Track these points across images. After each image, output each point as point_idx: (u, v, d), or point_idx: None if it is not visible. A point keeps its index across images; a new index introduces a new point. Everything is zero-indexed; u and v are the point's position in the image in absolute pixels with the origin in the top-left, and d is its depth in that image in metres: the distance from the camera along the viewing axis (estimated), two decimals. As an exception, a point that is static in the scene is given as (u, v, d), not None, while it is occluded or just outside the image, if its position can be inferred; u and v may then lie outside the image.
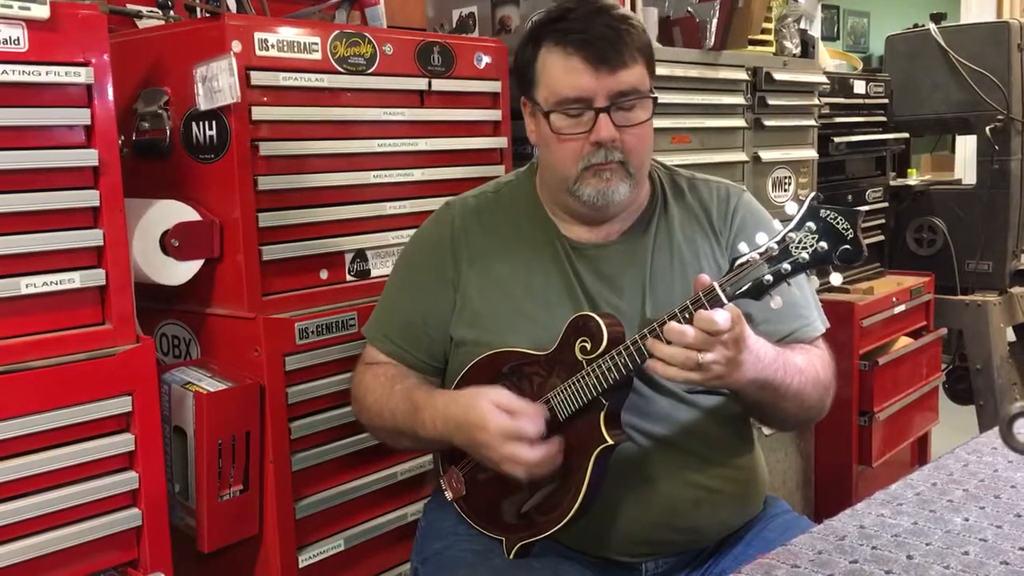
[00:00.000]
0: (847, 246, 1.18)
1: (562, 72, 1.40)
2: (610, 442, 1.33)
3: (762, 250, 1.21)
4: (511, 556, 1.43)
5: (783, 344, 1.44)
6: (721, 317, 1.21)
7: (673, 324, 1.24)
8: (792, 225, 1.20)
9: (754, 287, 1.22)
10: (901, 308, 3.05)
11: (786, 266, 1.20)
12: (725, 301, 1.23)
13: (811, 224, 1.19)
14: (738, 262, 1.23)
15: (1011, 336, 3.61)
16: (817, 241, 1.18)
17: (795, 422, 1.53)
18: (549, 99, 1.42)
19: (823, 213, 1.18)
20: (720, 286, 1.23)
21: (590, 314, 1.37)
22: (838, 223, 1.18)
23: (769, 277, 1.21)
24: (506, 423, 1.33)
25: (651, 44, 1.46)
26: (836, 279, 1.20)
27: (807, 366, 1.43)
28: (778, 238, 1.20)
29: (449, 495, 1.51)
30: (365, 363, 1.59)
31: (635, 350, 1.29)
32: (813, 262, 1.19)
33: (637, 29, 1.42)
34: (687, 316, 1.24)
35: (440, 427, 1.41)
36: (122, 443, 1.47)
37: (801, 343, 1.50)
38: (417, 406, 1.45)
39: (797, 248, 1.19)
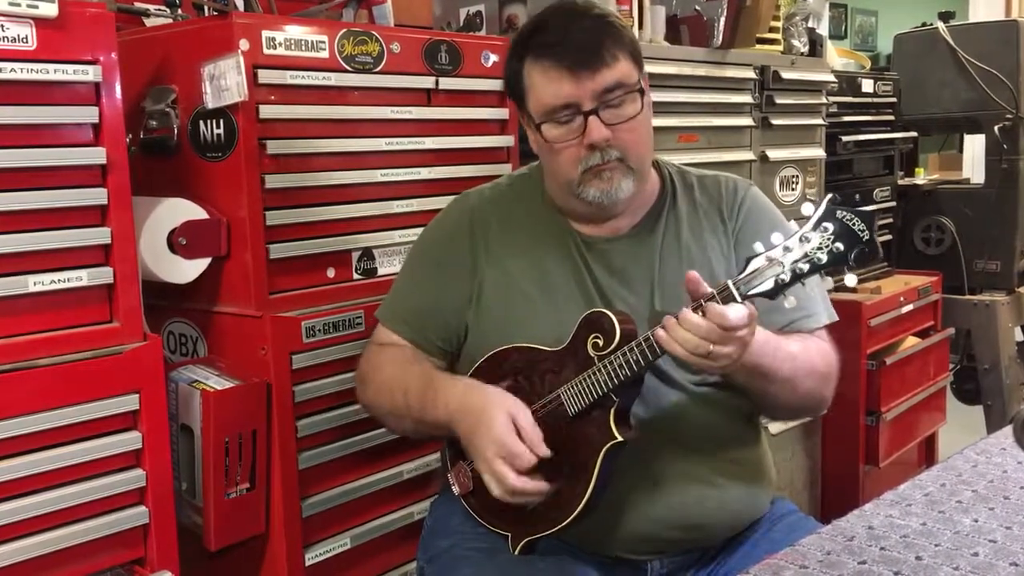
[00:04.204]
0: (863, 247, 1.18)
1: (545, 83, 1.41)
2: (619, 439, 1.33)
3: (778, 249, 1.21)
4: (516, 552, 1.43)
5: (781, 333, 1.44)
6: (733, 312, 1.22)
7: (689, 314, 1.24)
8: (809, 226, 1.20)
9: (769, 285, 1.22)
10: (909, 308, 3.04)
11: (802, 266, 1.20)
12: (739, 299, 1.23)
13: (827, 225, 1.19)
14: (753, 261, 1.23)
15: (1019, 336, 3.60)
16: (833, 242, 1.19)
17: (790, 410, 1.53)
18: (538, 111, 1.43)
19: (839, 214, 1.19)
20: (734, 284, 1.23)
21: (603, 311, 1.37)
22: (854, 224, 1.18)
23: (785, 277, 1.21)
24: (508, 440, 1.33)
25: (635, 39, 1.46)
26: (851, 280, 1.20)
27: (801, 353, 1.43)
28: (794, 238, 1.21)
29: (456, 490, 1.51)
30: (377, 344, 1.59)
31: (647, 347, 1.29)
32: (829, 263, 1.19)
33: (616, 26, 1.42)
34: (701, 311, 1.24)
35: (452, 409, 1.41)
36: (129, 441, 1.47)
37: (799, 333, 1.50)
38: (434, 385, 1.46)
39: (813, 249, 1.19)
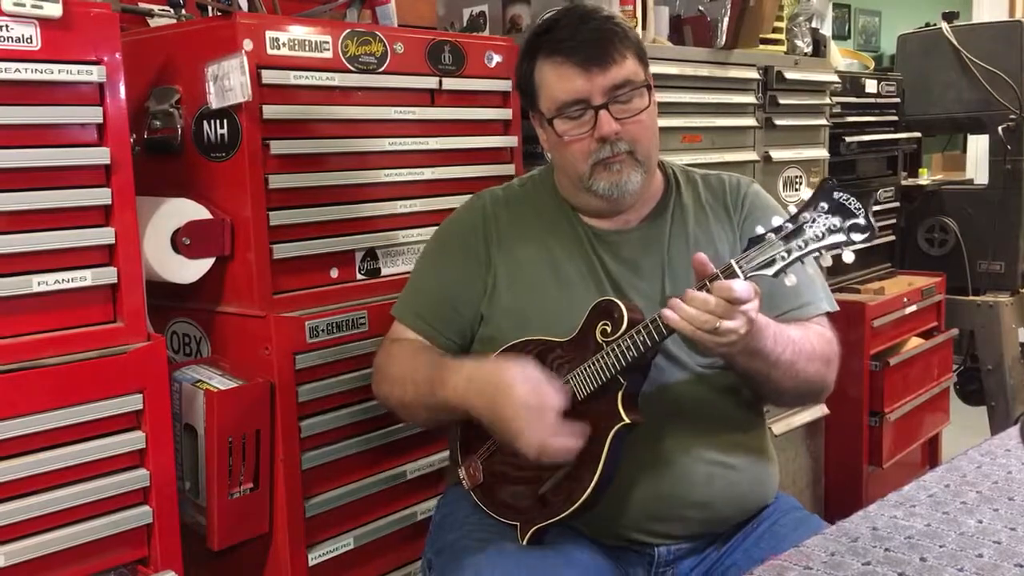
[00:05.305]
0: (858, 221, 1.22)
1: (556, 79, 1.47)
2: (627, 420, 1.35)
3: (777, 229, 1.25)
4: (525, 541, 1.44)
5: (782, 320, 1.46)
6: (739, 286, 1.25)
7: (695, 292, 1.27)
8: (805, 205, 1.24)
9: (770, 264, 1.26)
10: (912, 308, 3.04)
11: (800, 243, 1.24)
12: (742, 277, 1.26)
13: (824, 204, 1.23)
14: (754, 241, 1.27)
15: (1023, 336, 3.59)
16: (830, 219, 1.23)
17: (792, 395, 1.54)
18: (550, 107, 1.49)
19: (835, 195, 1.23)
20: (737, 263, 1.27)
21: (612, 299, 1.41)
22: (850, 203, 1.22)
23: (784, 254, 1.25)
24: (532, 398, 1.34)
25: (639, 39, 1.53)
26: (849, 257, 1.23)
27: (801, 339, 1.45)
28: (794, 219, 1.25)
29: (467, 483, 1.53)
30: (392, 339, 1.62)
31: (653, 328, 1.32)
32: (827, 239, 1.23)
33: (622, 27, 1.50)
34: (706, 290, 1.28)
35: (461, 390, 1.42)
36: (133, 441, 1.47)
37: (798, 321, 1.52)
38: (441, 369, 1.47)
39: (811, 226, 1.23)
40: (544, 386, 1.35)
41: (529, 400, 1.33)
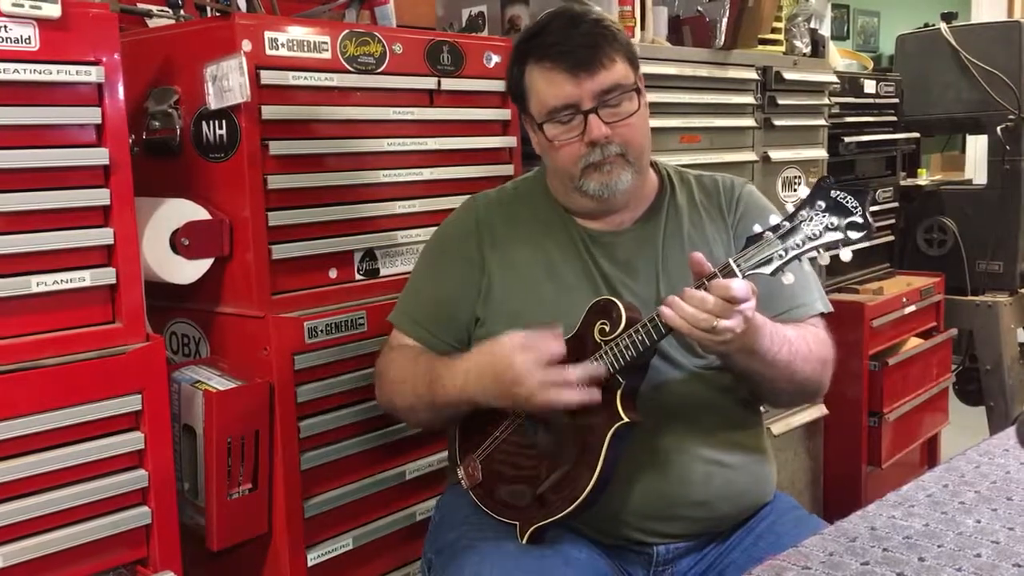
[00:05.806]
0: (855, 219, 1.22)
1: (546, 84, 1.48)
2: (626, 419, 1.36)
3: (775, 227, 1.26)
4: (524, 540, 1.44)
5: (775, 321, 1.46)
6: (737, 285, 1.26)
7: (692, 290, 1.28)
8: (803, 203, 1.25)
9: (767, 262, 1.26)
10: (911, 309, 3.04)
11: (797, 241, 1.25)
12: (740, 276, 1.27)
13: (821, 203, 1.24)
14: (752, 240, 1.28)
15: (1022, 337, 3.60)
16: (827, 217, 1.23)
17: (789, 394, 1.55)
18: (540, 111, 1.50)
19: (832, 193, 1.23)
20: (735, 261, 1.28)
21: (610, 298, 1.41)
22: (847, 201, 1.23)
23: (782, 252, 1.26)
24: (532, 355, 1.35)
25: (630, 42, 1.53)
26: (846, 255, 1.24)
27: (797, 338, 1.46)
28: (791, 217, 1.25)
29: (466, 483, 1.53)
30: (390, 346, 1.63)
31: (652, 327, 1.32)
32: (823, 237, 1.24)
33: (612, 30, 1.50)
34: (704, 289, 1.28)
35: (460, 383, 1.43)
36: (132, 441, 1.47)
37: (794, 321, 1.52)
38: (437, 371, 1.48)
39: (808, 224, 1.24)
40: (537, 341, 1.36)
41: (529, 358, 1.34)
